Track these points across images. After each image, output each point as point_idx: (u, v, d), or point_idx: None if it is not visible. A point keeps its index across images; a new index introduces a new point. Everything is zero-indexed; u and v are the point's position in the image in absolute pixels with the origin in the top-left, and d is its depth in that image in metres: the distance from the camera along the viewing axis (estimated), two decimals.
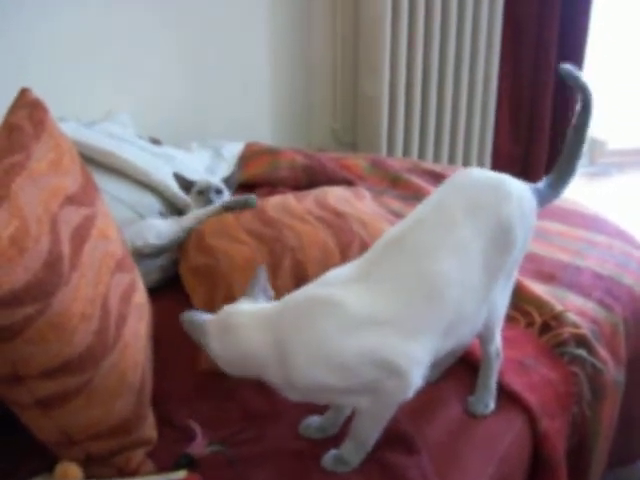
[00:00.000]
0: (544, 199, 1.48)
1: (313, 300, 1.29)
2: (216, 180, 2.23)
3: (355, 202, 2.07)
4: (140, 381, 1.40)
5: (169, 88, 3.07)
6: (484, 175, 1.45)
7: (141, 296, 1.58)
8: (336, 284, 1.30)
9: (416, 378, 1.28)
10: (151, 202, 2.27)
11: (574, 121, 1.49)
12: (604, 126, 4.24)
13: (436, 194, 1.44)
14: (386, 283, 1.29)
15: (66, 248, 1.27)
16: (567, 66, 1.46)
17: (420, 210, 1.41)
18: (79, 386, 1.25)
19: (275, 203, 2.04)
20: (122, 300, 1.43)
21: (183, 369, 1.64)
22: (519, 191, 1.42)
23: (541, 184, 1.50)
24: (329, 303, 1.26)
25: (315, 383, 1.26)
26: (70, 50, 2.66)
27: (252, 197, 2.06)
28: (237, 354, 1.29)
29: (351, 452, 1.36)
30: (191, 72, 3.13)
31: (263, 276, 1.39)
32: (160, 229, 1.98)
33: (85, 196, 1.44)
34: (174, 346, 1.59)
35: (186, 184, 2.21)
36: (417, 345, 1.27)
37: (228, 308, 1.33)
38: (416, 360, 1.27)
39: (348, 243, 1.84)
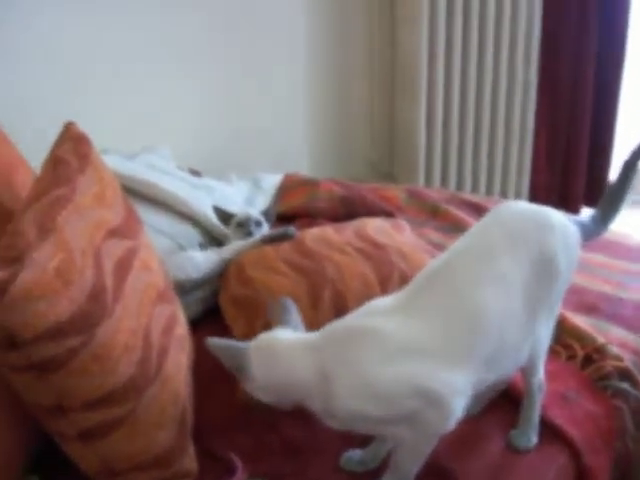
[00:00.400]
0: (588, 233, 1.48)
1: (354, 329, 1.29)
2: (256, 212, 2.24)
3: (394, 234, 2.06)
4: (181, 412, 1.40)
5: (208, 121, 3.11)
6: (526, 208, 1.45)
7: (182, 328, 1.59)
8: (377, 314, 1.30)
9: (457, 408, 1.26)
10: (191, 233, 2.28)
11: (627, 157, 1.50)
12: None
13: (477, 227, 1.44)
14: (427, 313, 1.29)
15: (109, 280, 1.28)
16: None
17: (461, 242, 1.41)
18: (122, 417, 1.26)
19: (314, 235, 2.04)
20: (164, 332, 1.44)
21: (223, 400, 1.63)
22: (562, 223, 1.42)
23: (586, 218, 1.50)
24: (370, 332, 1.26)
25: (355, 412, 1.25)
26: (113, 84, 2.71)
27: (291, 229, 2.06)
28: (279, 380, 1.27)
29: None
30: (230, 105, 3.16)
31: (292, 307, 1.39)
32: (198, 261, 1.98)
33: (127, 229, 1.45)
34: (214, 377, 1.59)
35: (225, 216, 2.22)
36: (458, 374, 1.26)
37: (267, 335, 1.32)
38: (457, 389, 1.26)
39: (388, 275, 1.83)
